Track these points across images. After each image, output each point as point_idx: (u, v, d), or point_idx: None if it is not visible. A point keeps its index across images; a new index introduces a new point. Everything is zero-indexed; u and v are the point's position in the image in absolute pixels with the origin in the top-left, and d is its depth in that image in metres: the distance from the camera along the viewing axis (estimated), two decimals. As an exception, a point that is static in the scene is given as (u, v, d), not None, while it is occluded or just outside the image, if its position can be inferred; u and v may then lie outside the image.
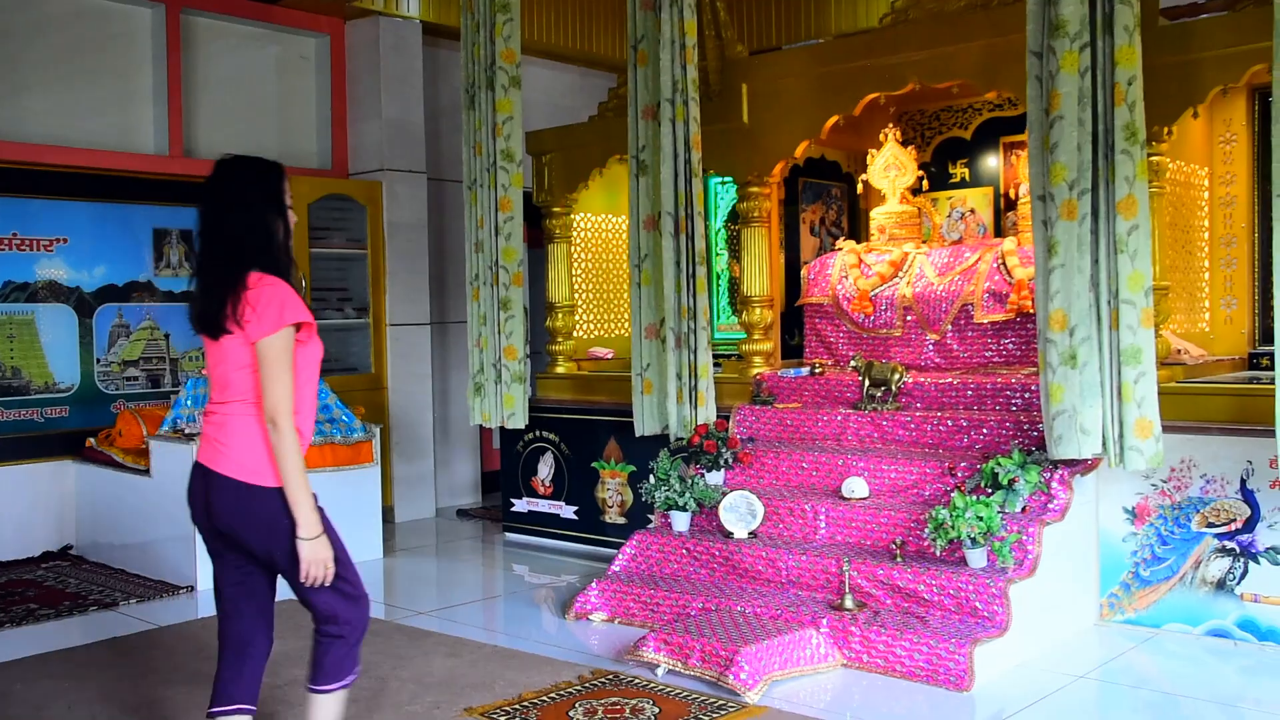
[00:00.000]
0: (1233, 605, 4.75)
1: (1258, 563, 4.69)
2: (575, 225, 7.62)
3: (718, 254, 7.69)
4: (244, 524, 3.05)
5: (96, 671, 4.68)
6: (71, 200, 7.24)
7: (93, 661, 4.83)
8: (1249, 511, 4.71)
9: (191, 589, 6.11)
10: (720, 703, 4.14)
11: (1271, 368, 4.35)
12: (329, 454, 6.60)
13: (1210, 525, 4.80)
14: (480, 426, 8.30)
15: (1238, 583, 4.74)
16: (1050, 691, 4.24)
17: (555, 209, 7.36)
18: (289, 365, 3.00)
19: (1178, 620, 4.87)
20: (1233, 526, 4.75)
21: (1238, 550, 4.73)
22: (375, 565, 6.73)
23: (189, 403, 6.48)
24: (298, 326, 3.04)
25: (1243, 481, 4.73)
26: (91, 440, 7.00)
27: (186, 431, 6.35)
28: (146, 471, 6.45)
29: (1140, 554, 4.97)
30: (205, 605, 5.81)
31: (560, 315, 7.33)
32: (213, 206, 3.09)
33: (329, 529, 3.11)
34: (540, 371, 7.50)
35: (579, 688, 4.32)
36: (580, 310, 7.72)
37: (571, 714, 4.02)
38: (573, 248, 7.57)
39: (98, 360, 7.35)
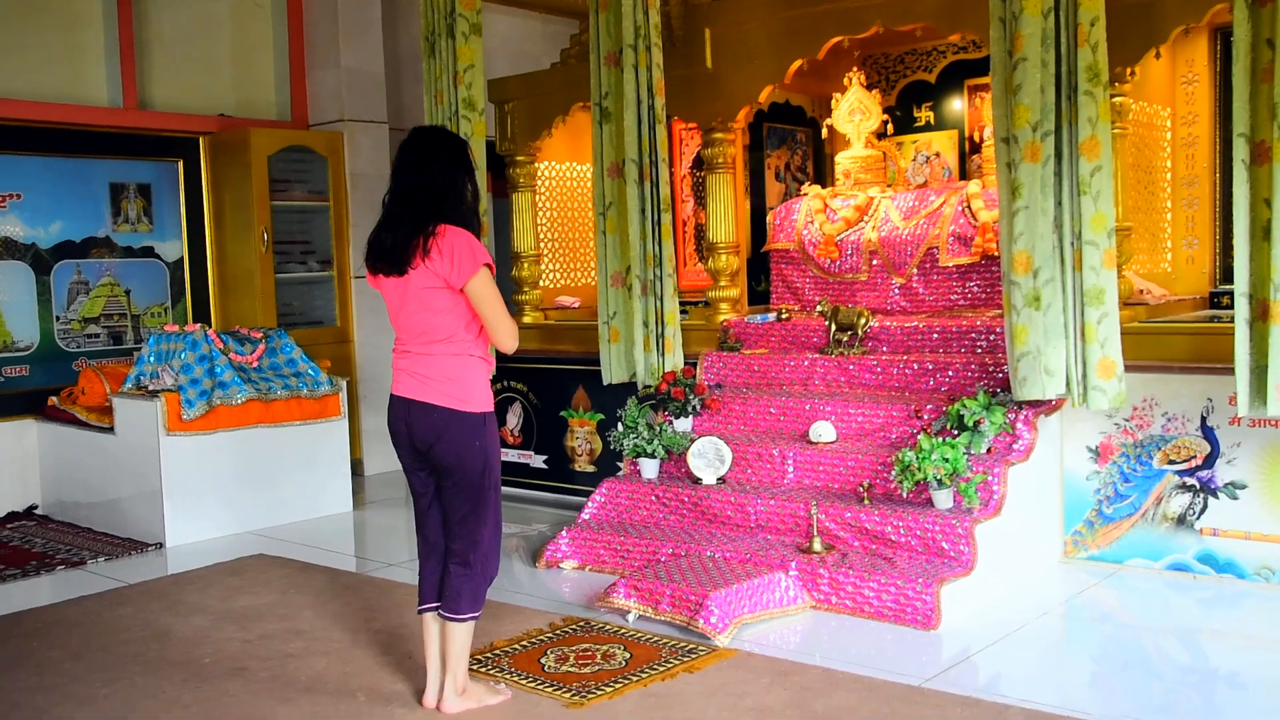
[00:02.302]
0: (1192, 540, 4.82)
1: (1216, 498, 4.76)
2: (539, 174, 7.55)
3: (683, 201, 7.65)
4: (442, 441, 3.49)
5: (65, 630, 4.65)
6: (24, 155, 7.09)
7: (61, 620, 4.80)
8: (1209, 448, 4.77)
9: (159, 546, 6.08)
10: (690, 646, 4.17)
11: (1232, 306, 4.38)
12: (295, 408, 6.57)
13: (1171, 462, 4.86)
14: (448, 378, 8.26)
15: (1197, 518, 4.80)
16: (1015, 628, 4.30)
17: (519, 157, 7.29)
18: (499, 297, 3.47)
19: (1139, 556, 4.94)
20: (1193, 463, 4.81)
21: (1198, 486, 4.80)
22: (345, 518, 6.71)
23: (151, 359, 6.41)
24: (489, 266, 3.45)
25: (1203, 419, 4.78)
26: (53, 399, 6.92)
27: (150, 388, 6.29)
28: (111, 429, 6.38)
29: (1103, 492, 5.02)
30: (175, 562, 5.79)
31: (526, 264, 7.29)
32: (411, 165, 3.46)
33: (498, 452, 3.59)
34: (507, 322, 7.46)
35: (550, 635, 4.34)
36: (546, 259, 7.69)
37: (543, 661, 4.04)
38: (537, 196, 7.51)
39: (57, 318, 7.25)
